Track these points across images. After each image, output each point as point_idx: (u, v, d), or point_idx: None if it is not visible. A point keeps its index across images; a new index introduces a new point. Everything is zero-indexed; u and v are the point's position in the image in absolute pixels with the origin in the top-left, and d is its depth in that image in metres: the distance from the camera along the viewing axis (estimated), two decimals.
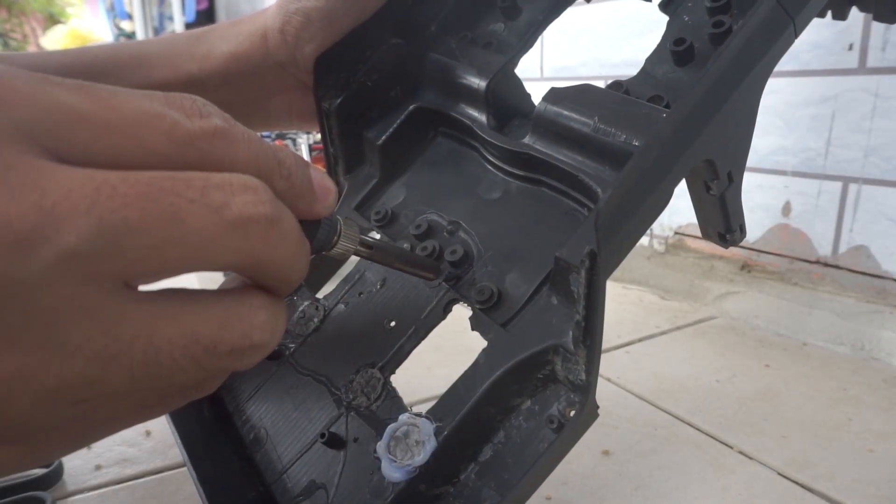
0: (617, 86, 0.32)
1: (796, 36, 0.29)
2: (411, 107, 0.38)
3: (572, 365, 0.25)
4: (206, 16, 2.58)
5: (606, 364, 0.60)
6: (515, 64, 0.36)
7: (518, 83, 0.36)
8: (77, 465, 0.44)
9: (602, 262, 0.24)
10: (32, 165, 0.14)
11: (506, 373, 0.27)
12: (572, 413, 0.26)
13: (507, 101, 0.35)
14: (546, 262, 0.28)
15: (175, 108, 0.17)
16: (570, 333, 0.25)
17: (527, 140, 0.33)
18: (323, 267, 0.40)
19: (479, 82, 0.35)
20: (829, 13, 0.37)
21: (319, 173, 0.21)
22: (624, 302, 0.77)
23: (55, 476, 0.42)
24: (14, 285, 0.14)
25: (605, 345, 0.64)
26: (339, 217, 0.23)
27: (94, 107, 0.16)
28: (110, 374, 0.15)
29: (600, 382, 0.56)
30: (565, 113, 0.31)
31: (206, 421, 0.35)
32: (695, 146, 0.27)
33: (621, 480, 0.42)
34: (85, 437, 0.18)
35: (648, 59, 0.32)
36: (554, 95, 0.32)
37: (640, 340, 0.66)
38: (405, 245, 0.34)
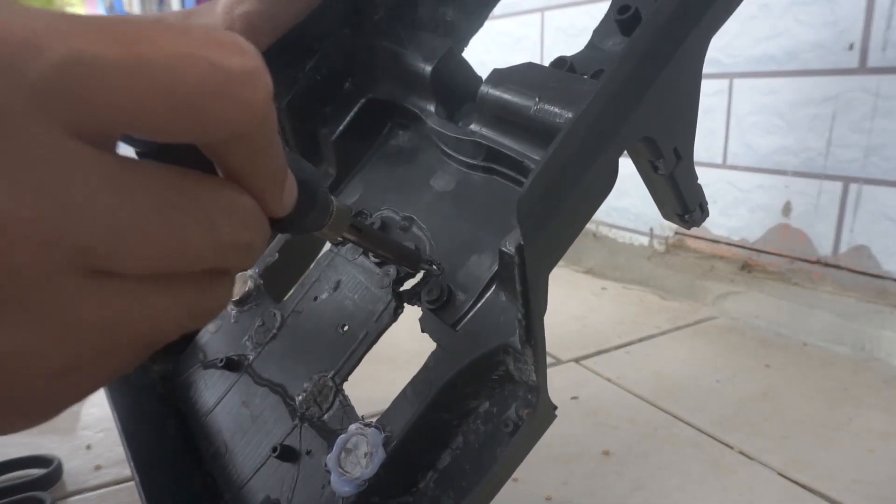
0: (561, 62, 0.30)
1: None
2: (363, 99, 0.36)
3: (522, 365, 0.24)
4: None
5: (606, 364, 0.60)
6: (463, 47, 0.35)
7: (466, 66, 0.34)
8: (77, 465, 0.44)
9: (533, 255, 0.22)
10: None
11: (457, 376, 0.25)
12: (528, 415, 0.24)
13: (456, 85, 0.33)
14: (496, 256, 0.26)
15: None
16: (518, 332, 0.24)
17: (473, 126, 0.31)
18: (285, 275, 0.39)
19: (424, 67, 0.33)
20: None
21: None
22: (624, 302, 0.77)
23: (55, 476, 0.42)
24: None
25: (605, 345, 0.64)
26: (332, 198, 0.22)
27: None
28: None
29: (600, 382, 0.56)
30: (506, 96, 0.29)
31: (169, 437, 0.34)
32: (629, 123, 0.24)
33: (621, 480, 0.42)
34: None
35: (596, 32, 0.30)
36: (496, 77, 0.30)
37: (640, 340, 0.66)
38: None
